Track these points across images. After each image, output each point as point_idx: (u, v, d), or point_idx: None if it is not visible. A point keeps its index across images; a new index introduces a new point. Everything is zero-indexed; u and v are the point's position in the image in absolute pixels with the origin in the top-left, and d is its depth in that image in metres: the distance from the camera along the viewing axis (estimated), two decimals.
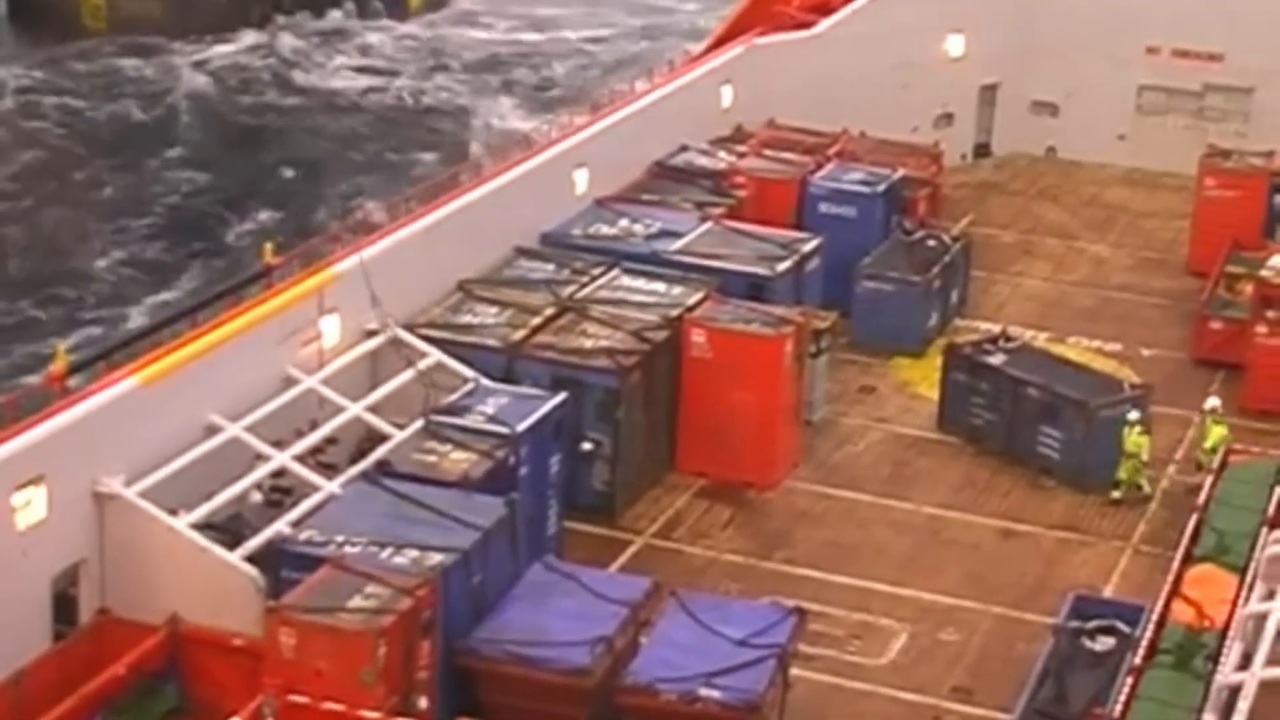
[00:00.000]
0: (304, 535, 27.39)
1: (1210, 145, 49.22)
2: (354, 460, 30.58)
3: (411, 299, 34.88)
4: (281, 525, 27.82)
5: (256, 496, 29.42)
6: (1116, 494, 35.74)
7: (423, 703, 25.60)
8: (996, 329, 40.26)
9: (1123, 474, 35.75)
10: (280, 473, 29.76)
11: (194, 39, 75.03)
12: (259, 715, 24.46)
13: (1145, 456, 35.79)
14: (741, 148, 46.13)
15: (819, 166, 45.03)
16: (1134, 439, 35.57)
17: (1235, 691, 24.19)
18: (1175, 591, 28.73)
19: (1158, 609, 28.23)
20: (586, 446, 33.90)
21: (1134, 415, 35.73)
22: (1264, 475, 32.30)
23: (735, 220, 41.22)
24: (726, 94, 47.91)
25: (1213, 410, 36.65)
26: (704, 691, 26.13)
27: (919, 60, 51.82)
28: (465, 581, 27.01)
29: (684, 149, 45.23)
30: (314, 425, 31.24)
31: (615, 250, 38.71)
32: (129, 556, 27.20)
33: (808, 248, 39.96)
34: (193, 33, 73.62)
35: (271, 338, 31.39)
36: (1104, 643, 28.28)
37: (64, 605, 26.88)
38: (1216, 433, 35.94)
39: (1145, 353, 42.62)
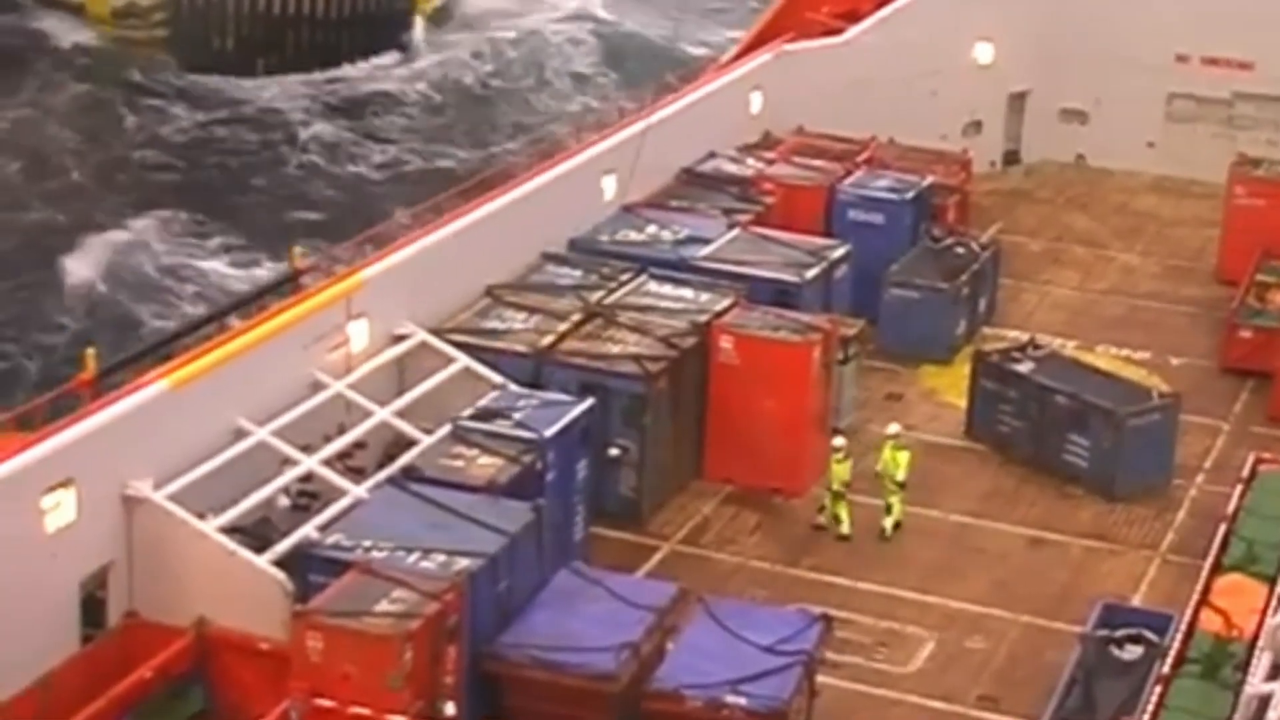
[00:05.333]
0: (331, 539, 27.44)
1: (1240, 154, 49.10)
2: (381, 465, 30.63)
3: (440, 304, 34.94)
4: (309, 529, 27.87)
5: (284, 500, 29.49)
6: (842, 528, 34.24)
7: (449, 708, 25.62)
8: (1025, 337, 40.15)
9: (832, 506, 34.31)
10: (308, 477, 29.81)
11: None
12: (285, 719, 24.52)
13: (837, 486, 34.13)
14: (770, 154, 46.08)
15: (847, 173, 44.98)
16: (833, 467, 34.02)
17: (1265, 702, 24.15)
18: (1204, 601, 28.69)
19: (1186, 618, 28.18)
20: (614, 452, 33.90)
21: (839, 441, 34.43)
22: None
23: (763, 227, 41.21)
24: (755, 100, 47.89)
25: (895, 436, 34.90)
26: (730, 698, 26.14)
27: (948, 67, 51.70)
28: (492, 586, 27.03)
29: (712, 155, 45.23)
30: (341, 430, 31.30)
31: (643, 256, 38.71)
32: (157, 560, 27.27)
33: (836, 255, 39.94)
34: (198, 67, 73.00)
35: (299, 342, 31.45)
36: (1132, 652, 28.21)
37: (92, 608, 26.95)
38: (903, 459, 34.49)
39: (1174, 361, 42.49)
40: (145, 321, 55.96)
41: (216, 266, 60.49)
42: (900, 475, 34.50)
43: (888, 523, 34.55)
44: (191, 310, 55.37)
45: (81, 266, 59.18)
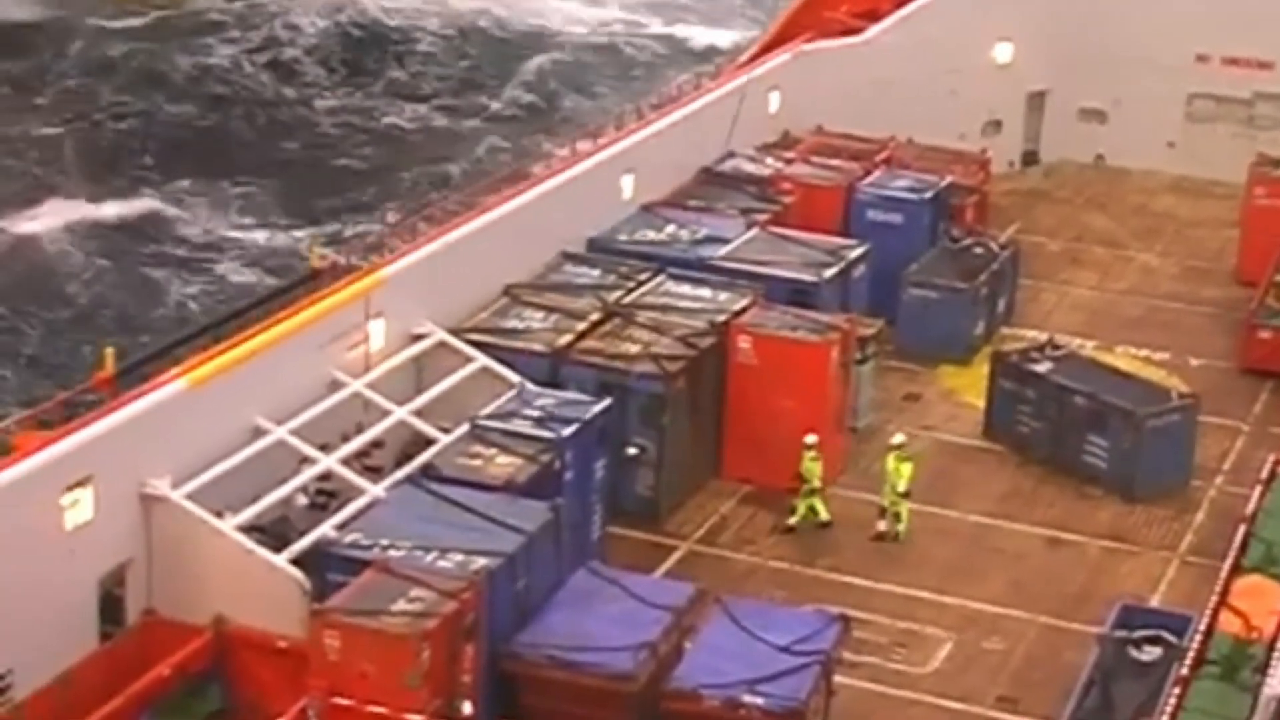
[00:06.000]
0: (349, 538, 27.48)
1: (1260, 154, 48.96)
2: (399, 464, 30.67)
3: (458, 303, 34.96)
4: (327, 528, 27.91)
5: (302, 499, 29.53)
6: (792, 519, 34.40)
7: (466, 707, 25.64)
8: (1043, 337, 40.13)
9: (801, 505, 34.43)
10: (326, 476, 29.85)
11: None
12: (303, 717, 24.56)
13: (816, 483, 34.23)
14: (789, 154, 46.09)
15: (866, 173, 44.97)
16: (806, 465, 34.10)
17: None
18: (1223, 602, 28.61)
19: (1205, 619, 28.10)
20: (631, 452, 33.91)
21: (811, 439, 34.06)
22: None
23: (781, 226, 41.18)
24: (774, 100, 47.87)
25: (900, 446, 34.70)
26: (747, 698, 26.13)
27: (967, 67, 51.68)
28: (509, 586, 27.04)
29: (731, 155, 45.22)
30: (359, 429, 31.34)
31: (662, 256, 38.72)
32: (175, 558, 27.32)
33: (854, 254, 39.93)
34: None
35: (318, 341, 31.49)
36: (1150, 653, 28.13)
37: (111, 606, 27.01)
38: (906, 470, 34.38)
39: (1193, 362, 42.42)
40: (169, 289, 56.84)
41: (248, 227, 61.70)
42: (902, 486, 34.41)
43: (900, 528, 34.50)
44: (218, 273, 56.17)
45: (105, 235, 60.16)
